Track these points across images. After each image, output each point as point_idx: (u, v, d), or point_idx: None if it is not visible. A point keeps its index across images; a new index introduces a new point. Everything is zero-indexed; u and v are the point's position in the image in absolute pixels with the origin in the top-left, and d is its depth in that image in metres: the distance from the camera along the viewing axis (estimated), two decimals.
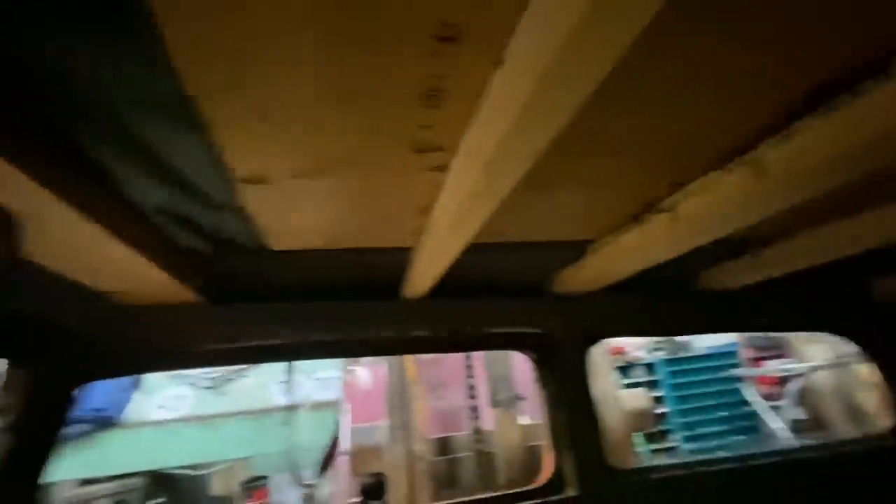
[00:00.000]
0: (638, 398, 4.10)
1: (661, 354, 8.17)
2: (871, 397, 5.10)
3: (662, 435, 7.99)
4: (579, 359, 1.53)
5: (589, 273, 1.38)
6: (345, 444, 3.41)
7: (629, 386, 8.00)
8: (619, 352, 8.11)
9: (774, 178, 0.77)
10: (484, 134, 0.67)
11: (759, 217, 0.90)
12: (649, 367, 8.16)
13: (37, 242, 0.76)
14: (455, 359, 3.45)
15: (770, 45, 0.61)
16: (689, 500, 1.47)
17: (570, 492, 1.40)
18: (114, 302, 1.12)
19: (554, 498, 1.39)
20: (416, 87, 0.64)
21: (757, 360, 7.86)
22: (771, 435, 6.77)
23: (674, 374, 8.01)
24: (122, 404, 5.36)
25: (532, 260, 1.42)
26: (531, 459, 2.95)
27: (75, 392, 1.14)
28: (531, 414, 3.17)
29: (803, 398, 7.03)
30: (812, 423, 6.77)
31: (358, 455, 3.25)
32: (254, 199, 0.89)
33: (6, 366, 1.09)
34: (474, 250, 1.08)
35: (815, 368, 6.33)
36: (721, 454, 1.64)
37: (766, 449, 1.70)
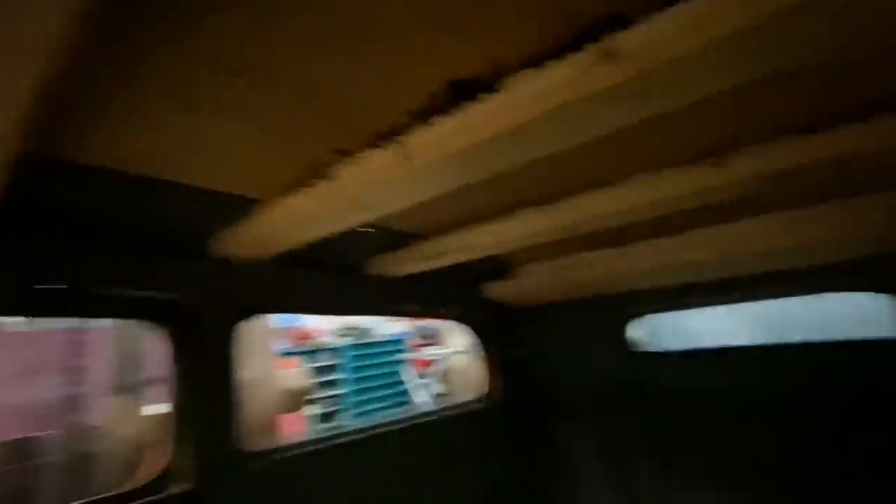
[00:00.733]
0: (294, 378, 4.15)
1: (348, 340, 8.82)
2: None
3: (335, 414, 8.61)
4: (226, 334, 1.33)
5: (252, 237, 1.20)
6: None
7: (318, 370, 8.30)
8: (305, 336, 8.25)
9: (418, 162, 0.81)
10: None
11: (410, 200, 0.95)
12: (334, 351, 8.67)
13: None
14: (59, 334, 2.54)
15: (407, 42, 0.64)
16: (318, 472, 1.51)
17: (181, 486, 1.18)
18: None
19: (154, 497, 1.14)
20: None
21: (420, 347, 9.53)
22: (418, 406, 8.23)
23: (356, 357, 8.82)
24: None
25: (188, 209, 1.14)
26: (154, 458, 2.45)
27: None
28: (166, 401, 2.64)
29: (445, 376, 8.98)
30: (449, 395, 8.72)
31: None
32: None
33: None
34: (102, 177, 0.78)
35: (454, 353, 8.17)
36: (354, 426, 1.77)
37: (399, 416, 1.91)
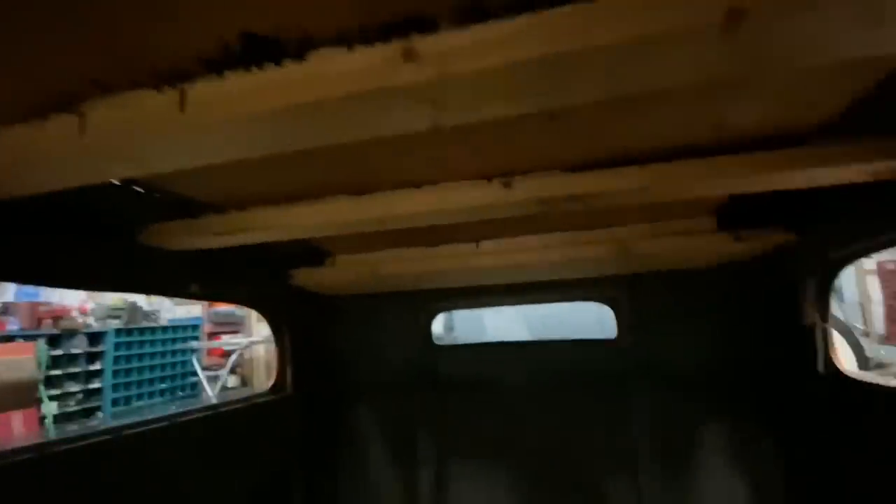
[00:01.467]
0: (16, 368, 3.23)
1: (115, 323, 7.21)
2: None
3: (95, 411, 6.97)
4: None
5: None
6: None
7: (67, 359, 6.55)
8: (54, 316, 6.49)
9: (197, 116, 0.69)
10: None
11: (184, 160, 0.80)
12: (95, 336, 7.00)
13: None
14: None
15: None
16: (47, 481, 1.17)
17: None
18: None
19: None
20: None
21: (215, 335, 8.45)
22: (209, 400, 7.30)
23: (126, 345, 7.28)
24: None
25: None
26: None
27: None
28: None
29: (242, 368, 8.17)
30: (247, 387, 7.95)
31: None
32: None
33: None
34: None
35: (253, 343, 7.50)
36: (110, 424, 1.44)
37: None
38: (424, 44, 0.58)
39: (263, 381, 7.93)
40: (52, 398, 6.19)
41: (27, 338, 5.96)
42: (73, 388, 6.74)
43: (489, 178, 1.14)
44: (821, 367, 1.56)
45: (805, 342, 1.60)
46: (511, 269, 1.83)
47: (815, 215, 1.41)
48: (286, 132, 0.71)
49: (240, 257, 1.65)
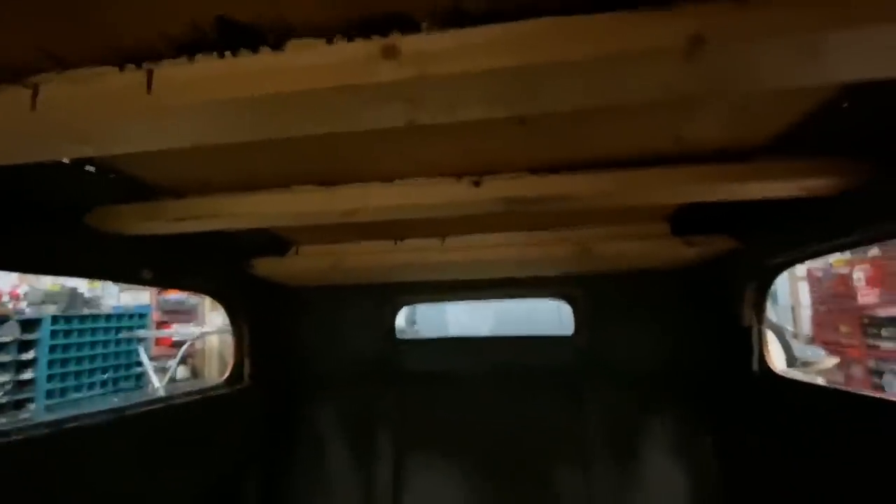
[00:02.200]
0: None
1: (51, 310, 6.73)
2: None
3: (20, 405, 6.49)
4: None
5: None
6: None
7: None
8: None
9: (164, 99, 0.67)
10: None
11: (145, 143, 0.77)
12: (29, 323, 6.50)
13: None
14: None
15: None
16: None
17: None
18: None
19: None
20: None
21: (165, 324, 8.06)
22: (156, 392, 6.98)
23: (64, 333, 6.80)
24: None
25: None
26: None
27: None
28: None
29: (193, 359, 7.84)
30: (198, 379, 7.63)
31: None
32: None
33: None
34: None
35: (205, 333, 7.21)
36: (42, 419, 1.35)
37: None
38: (405, 43, 0.59)
39: (216, 372, 7.65)
40: None
41: None
42: (2, 378, 6.25)
43: (459, 177, 1.16)
44: (755, 365, 1.70)
45: (742, 343, 1.73)
46: (475, 265, 1.87)
47: (756, 225, 1.53)
48: (259, 121, 0.70)
49: (197, 244, 1.59)
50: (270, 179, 1.26)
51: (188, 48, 0.66)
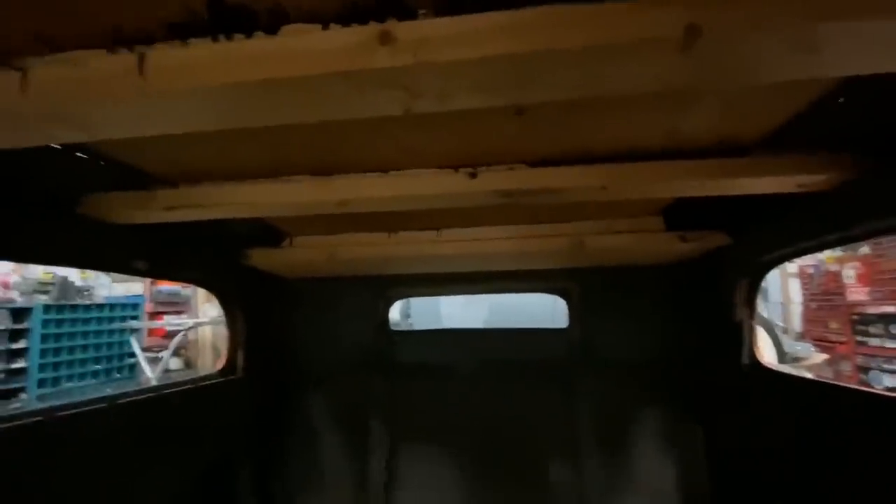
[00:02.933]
0: None
1: (43, 299, 6.67)
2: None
3: (12, 394, 6.45)
4: None
5: None
6: None
7: None
8: None
9: (157, 83, 0.66)
10: None
11: (137, 128, 0.76)
12: (20, 312, 6.44)
13: None
14: None
15: None
16: None
17: None
18: None
19: None
20: None
21: (158, 315, 8.01)
22: (148, 382, 6.96)
23: (56, 323, 6.75)
24: None
25: None
26: None
27: None
28: None
29: (186, 350, 7.81)
30: (191, 369, 7.61)
31: None
32: None
33: None
34: None
35: (199, 324, 7.19)
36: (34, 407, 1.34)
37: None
38: (401, 29, 0.58)
39: (209, 363, 7.62)
40: None
41: None
42: None
43: (455, 168, 1.16)
44: (745, 359, 1.72)
45: (733, 337, 1.75)
46: (470, 257, 1.87)
47: (749, 221, 1.54)
48: (253, 107, 0.69)
49: (191, 234, 1.58)
50: (264, 169, 1.25)
51: (181, 31, 0.65)
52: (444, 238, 1.78)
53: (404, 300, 5.24)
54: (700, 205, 1.37)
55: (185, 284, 7.00)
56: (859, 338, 6.54)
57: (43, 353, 6.62)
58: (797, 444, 1.46)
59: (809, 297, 7.85)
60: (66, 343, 6.94)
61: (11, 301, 6.51)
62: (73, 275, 7.46)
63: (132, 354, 7.19)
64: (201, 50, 0.65)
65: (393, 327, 2.53)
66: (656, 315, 2.18)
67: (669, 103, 0.93)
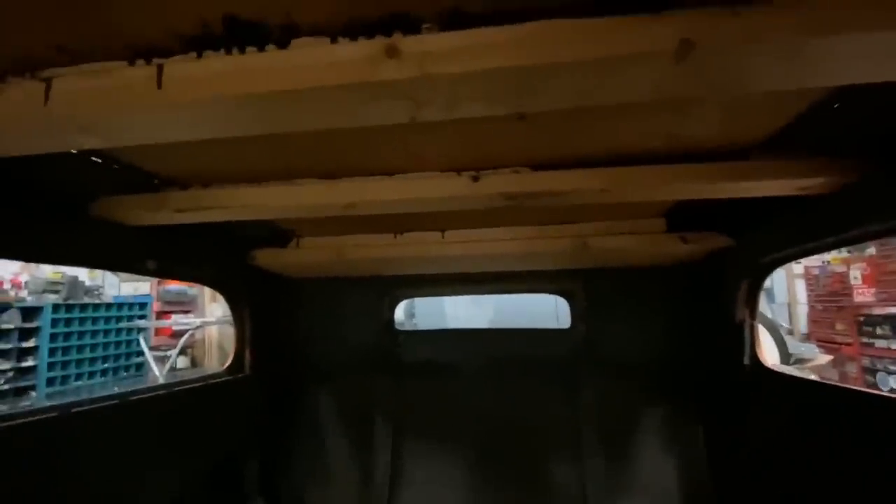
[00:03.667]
0: None
1: (52, 298, 6.76)
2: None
3: (21, 392, 6.54)
4: None
5: None
6: None
7: None
8: None
9: (173, 94, 0.69)
10: None
11: (152, 136, 0.79)
12: (30, 311, 6.54)
13: None
14: None
15: None
16: None
17: None
18: None
19: None
20: None
21: (165, 314, 8.09)
22: (156, 381, 7.03)
23: (65, 322, 6.84)
24: None
25: None
26: None
27: None
28: None
29: (193, 349, 7.89)
30: (198, 368, 7.69)
31: None
32: None
33: None
34: None
35: (206, 323, 7.26)
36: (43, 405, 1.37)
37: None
38: (407, 43, 0.61)
39: (216, 362, 7.70)
40: None
41: None
42: (4, 365, 6.30)
43: (459, 172, 1.18)
44: (747, 359, 1.73)
45: (735, 337, 1.76)
46: (474, 258, 1.89)
47: (750, 223, 1.55)
48: (265, 117, 0.72)
49: (200, 235, 1.61)
50: (273, 172, 1.29)
51: (197, 44, 0.68)
52: (449, 239, 1.81)
53: (409, 300, 5.27)
54: (702, 207, 1.38)
55: (192, 284, 7.07)
56: (865, 339, 6.51)
57: (52, 351, 6.71)
58: (798, 444, 1.47)
59: (815, 298, 7.81)
60: (74, 342, 7.03)
61: (22, 300, 6.60)
62: (83, 274, 7.55)
63: (140, 353, 7.27)
64: (216, 62, 0.68)
65: (398, 327, 2.56)
66: (659, 316, 2.20)
67: (669, 109, 0.95)
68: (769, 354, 1.85)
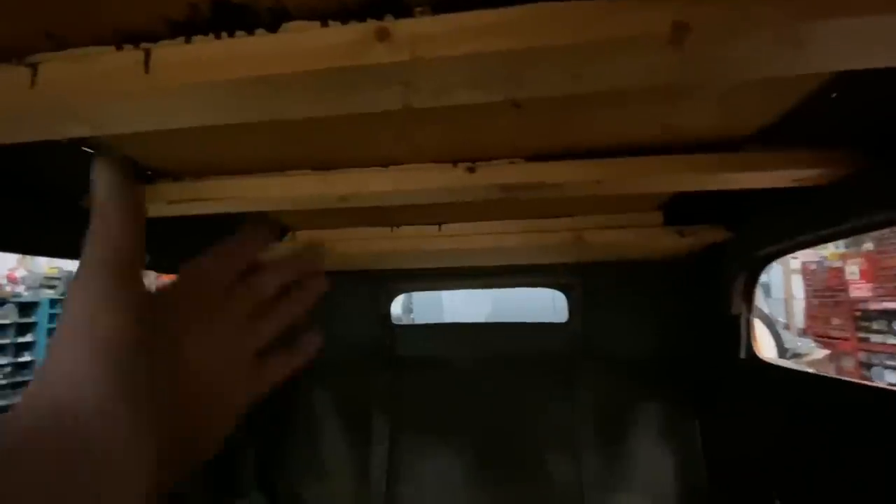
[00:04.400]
0: None
1: (49, 293, 6.74)
2: None
3: (19, 387, 6.52)
4: None
5: None
6: None
7: None
8: None
9: (162, 79, 0.68)
10: None
11: (143, 123, 0.78)
12: (27, 306, 6.51)
13: None
14: None
15: None
16: None
17: None
18: None
19: None
20: None
21: None
22: None
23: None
24: None
25: None
26: None
27: None
28: None
29: None
30: None
31: None
32: None
33: None
34: None
35: None
36: None
37: None
38: (398, 26, 0.60)
39: None
40: None
41: None
42: (1, 360, 6.29)
43: (454, 163, 1.18)
44: (743, 353, 1.73)
45: (731, 330, 1.76)
46: (471, 252, 1.89)
47: (747, 216, 1.55)
48: (255, 103, 0.71)
49: (193, 228, 1.60)
50: (266, 163, 1.27)
51: (185, 28, 0.67)
52: (446, 233, 1.80)
53: (407, 296, 5.26)
54: (699, 200, 1.38)
55: None
56: (862, 334, 6.53)
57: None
58: (794, 437, 1.48)
59: (812, 293, 7.83)
60: None
61: (18, 295, 6.57)
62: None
63: None
64: (205, 47, 0.66)
65: (396, 321, 2.55)
66: (656, 309, 2.20)
67: (664, 99, 0.94)
68: (766, 349, 1.85)
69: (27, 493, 0.27)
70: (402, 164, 1.21)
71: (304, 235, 1.95)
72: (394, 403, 2.32)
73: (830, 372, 6.28)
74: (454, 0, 0.59)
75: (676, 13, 0.53)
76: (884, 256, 6.79)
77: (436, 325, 2.67)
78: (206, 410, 0.48)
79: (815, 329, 7.56)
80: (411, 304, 6.03)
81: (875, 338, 6.62)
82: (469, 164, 1.17)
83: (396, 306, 2.66)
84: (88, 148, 1.18)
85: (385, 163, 1.22)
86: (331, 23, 0.63)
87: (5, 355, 6.48)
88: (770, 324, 4.95)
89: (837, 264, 7.26)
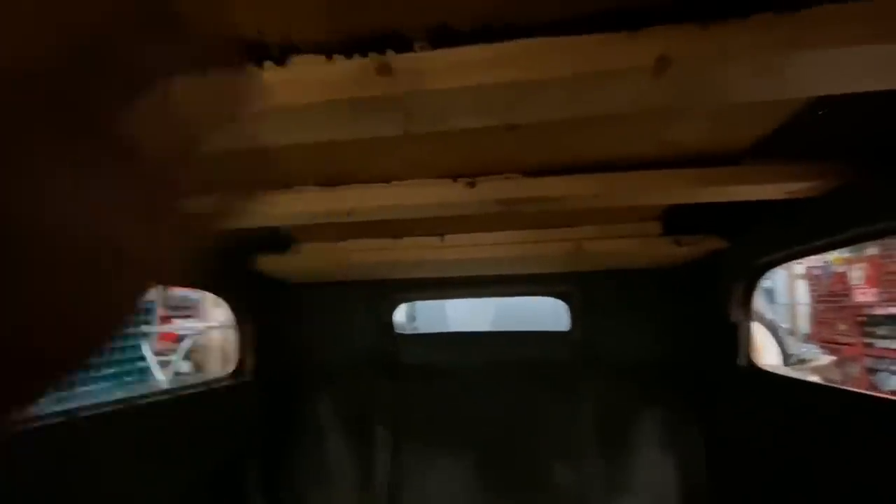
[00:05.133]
0: None
1: None
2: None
3: None
4: None
5: None
6: None
7: None
8: None
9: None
10: None
11: None
12: None
13: None
14: None
15: None
16: None
17: None
18: None
19: None
20: None
21: (167, 319, 8.12)
22: (159, 386, 7.03)
23: None
24: None
25: None
26: None
27: None
28: None
29: (195, 353, 7.91)
30: (200, 373, 7.71)
31: None
32: None
33: None
34: None
35: (208, 328, 7.28)
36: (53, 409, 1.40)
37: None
38: (399, 61, 0.64)
39: (218, 367, 7.72)
40: None
41: None
42: None
43: (455, 178, 1.21)
44: (742, 360, 1.75)
45: (730, 338, 1.78)
46: (473, 262, 1.92)
47: (744, 226, 1.58)
48: (263, 132, 0.75)
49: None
50: (273, 180, 1.32)
51: None
52: (448, 244, 1.83)
53: (410, 305, 5.29)
54: (697, 210, 1.41)
55: (195, 290, 7.10)
56: (867, 339, 6.50)
57: None
58: (793, 444, 1.49)
59: (817, 298, 7.80)
60: None
61: None
62: None
63: (143, 358, 7.29)
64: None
65: (400, 330, 2.58)
66: (655, 317, 2.22)
67: (658, 117, 0.98)
68: (770, 355, 1.87)
69: None
70: (405, 179, 1.25)
71: (309, 248, 1.99)
72: (397, 411, 2.35)
73: (836, 377, 6.24)
74: (451, 35, 0.63)
75: (660, 48, 0.57)
76: (888, 261, 6.76)
77: (438, 333, 2.70)
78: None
79: (821, 335, 7.51)
80: (415, 313, 6.05)
81: (881, 343, 6.58)
82: (469, 180, 1.21)
83: (401, 315, 2.68)
84: None
85: (388, 178, 1.26)
86: (336, 57, 0.67)
87: None
88: (773, 329, 4.93)
89: (842, 269, 7.23)
